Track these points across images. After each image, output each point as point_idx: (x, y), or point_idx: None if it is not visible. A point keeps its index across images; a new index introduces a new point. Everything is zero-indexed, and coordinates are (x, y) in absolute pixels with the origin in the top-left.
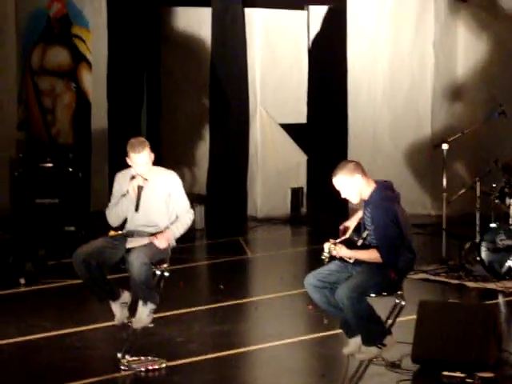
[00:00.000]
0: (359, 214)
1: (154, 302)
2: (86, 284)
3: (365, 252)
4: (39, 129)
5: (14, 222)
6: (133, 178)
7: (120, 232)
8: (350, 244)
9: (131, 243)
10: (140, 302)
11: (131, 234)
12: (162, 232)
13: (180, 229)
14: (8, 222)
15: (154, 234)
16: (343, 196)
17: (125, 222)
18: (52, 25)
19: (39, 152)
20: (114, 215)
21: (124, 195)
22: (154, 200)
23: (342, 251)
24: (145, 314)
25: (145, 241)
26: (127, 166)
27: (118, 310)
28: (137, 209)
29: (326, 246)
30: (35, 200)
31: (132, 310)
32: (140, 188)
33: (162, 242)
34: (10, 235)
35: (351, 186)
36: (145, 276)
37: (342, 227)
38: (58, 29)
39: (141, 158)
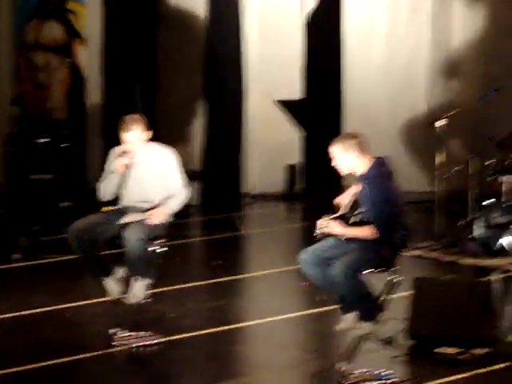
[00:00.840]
0: (353, 189)
1: (150, 277)
2: (81, 259)
3: (357, 229)
4: (33, 104)
5: (8, 197)
6: (121, 154)
7: (114, 207)
8: (343, 220)
9: (125, 218)
10: (135, 278)
11: (126, 210)
12: (156, 208)
13: (175, 205)
14: (2, 198)
15: (148, 210)
16: (332, 164)
17: (119, 197)
18: (47, 0)
19: (33, 128)
20: (103, 190)
21: (113, 171)
22: (149, 176)
23: (334, 228)
24: (140, 289)
25: (139, 216)
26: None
27: (112, 285)
28: (125, 187)
29: (319, 222)
30: (29, 176)
31: (126, 286)
32: (127, 165)
33: (155, 218)
34: (5, 211)
35: (343, 159)
36: (140, 251)
37: (336, 203)
38: (53, 4)
39: (129, 136)
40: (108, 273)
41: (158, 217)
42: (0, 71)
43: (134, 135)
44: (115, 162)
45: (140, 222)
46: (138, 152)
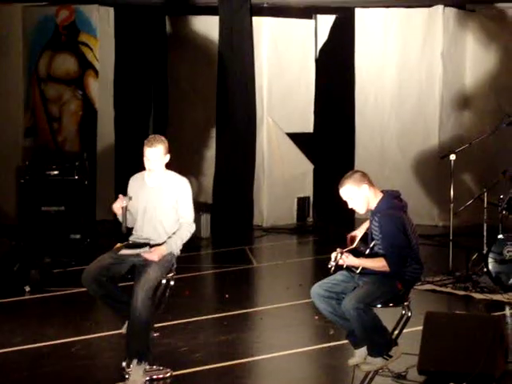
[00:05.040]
0: (366, 224)
1: (147, 360)
2: (103, 302)
3: (372, 260)
4: (46, 136)
5: (20, 229)
6: (116, 199)
7: (124, 243)
8: (356, 254)
9: (126, 251)
10: (134, 361)
11: (134, 246)
12: (157, 245)
13: (178, 242)
14: (14, 230)
15: (155, 245)
16: (350, 207)
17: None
18: (59, 32)
19: (45, 159)
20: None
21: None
22: (161, 207)
23: (348, 260)
24: (139, 373)
25: (139, 250)
26: (134, 172)
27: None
28: (125, 230)
29: (333, 254)
30: (41, 207)
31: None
32: (124, 209)
33: (153, 256)
34: (16, 243)
35: (358, 196)
36: (145, 317)
37: (349, 237)
38: (66, 36)
39: (152, 152)
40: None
41: (157, 255)
42: (13, 103)
43: (156, 153)
44: (112, 205)
45: (149, 271)
46: (155, 173)
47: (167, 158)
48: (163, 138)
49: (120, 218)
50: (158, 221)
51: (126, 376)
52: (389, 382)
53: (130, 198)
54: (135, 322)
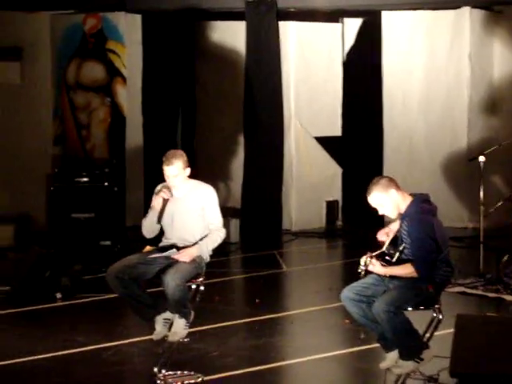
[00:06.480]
0: (396, 224)
1: (187, 319)
2: (126, 302)
3: (399, 268)
4: (75, 144)
5: (50, 236)
6: (159, 191)
7: (154, 247)
8: (386, 257)
9: (155, 255)
10: (176, 316)
11: (165, 249)
12: (188, 247)
13: (209, 245)
14: (45, 237)
15: (183, 248)
16: (381, 213)
17: (161, 236)
18: (87, 40)
19: (75, 167)
20: (144, 227)
21: (151, 208)
22: (189, 213)
23: (375, 268)
24: (181, 327)
25: (169, 253)
26: (163, 180)
27: (160, 325)
28: (159, 221)
29: (363, 259)
30: (71, 215)
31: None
32: (165, 201)
33: (183, 257)
34: (47, 250)
35: (387, 201)
36: (178, 297)
37: (378, 237)
38: (93, 44)
39: (170, 170)
40: (158, 310)
41: (187, 256)
42: (42, 111)
43: (175, 169)
44: (153, 198)
45: (179, 266)
46: (178, 187)
47: (187, 171)
48: (181, 152)
49: (157, 207)
50: (185, 230)
51: (158, 382)
52: None
53: (172, 196)
54: (170, 296)
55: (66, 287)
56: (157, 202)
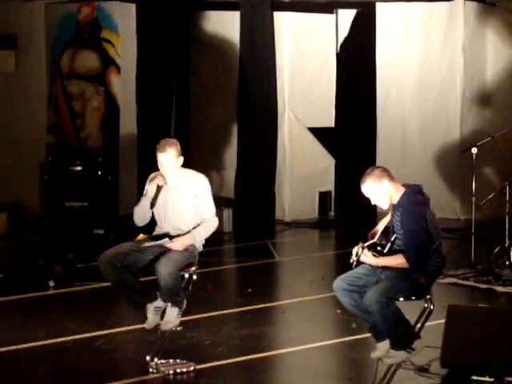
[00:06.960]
0: (387, 219)
1: (179, 308)
2: (117, 289)
3: (390, 258)
4: (69, 132)
5: (43, 225)
6: (152, 177)
7: (147, 235)
8: (378, 247)
9: (149, 243)
10: (168, 304)
11: (158, 237)
12: (181, 235)
13: (202, 234)
14: (38, 226)
15: (176, 236)
16: (373, 203)
17: (155, 224)
18: (81, 29)
19: (68, 155)
20: (136, 214)
21: (145, 195)
22: (182, 202)
23: (367, 259)
24: (173, 315)
25: (162, 241)
26: (157, 169)
27: (151, 314)
28: (152, 206)
29: (355, 249)
30: (65, 203)
31: (163, 315)
32: (159, 187)
33: (176, 246)
34: (40, 238)
35: (380, 191)
36: (171, 285)
37: (370, 233)
38: (88, 33)
39: (163, 157)
40: (149, 298)
41: (180, 244)
42: (36, 100)
43: (169, 157)
44: (148, 184)
45: (171, 254)
46: (171, 176)
47: (181, 160)
48: (174, 141)
49: (151, 194)
50: (178, 219)
51: (150, 370)
52: (411, 374)
53: (166, 183)
54: (163, 284)
55: (59, 275)
56: (150, 189)
